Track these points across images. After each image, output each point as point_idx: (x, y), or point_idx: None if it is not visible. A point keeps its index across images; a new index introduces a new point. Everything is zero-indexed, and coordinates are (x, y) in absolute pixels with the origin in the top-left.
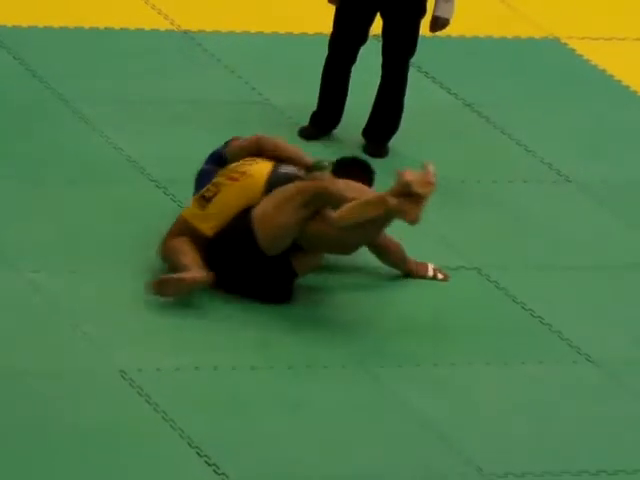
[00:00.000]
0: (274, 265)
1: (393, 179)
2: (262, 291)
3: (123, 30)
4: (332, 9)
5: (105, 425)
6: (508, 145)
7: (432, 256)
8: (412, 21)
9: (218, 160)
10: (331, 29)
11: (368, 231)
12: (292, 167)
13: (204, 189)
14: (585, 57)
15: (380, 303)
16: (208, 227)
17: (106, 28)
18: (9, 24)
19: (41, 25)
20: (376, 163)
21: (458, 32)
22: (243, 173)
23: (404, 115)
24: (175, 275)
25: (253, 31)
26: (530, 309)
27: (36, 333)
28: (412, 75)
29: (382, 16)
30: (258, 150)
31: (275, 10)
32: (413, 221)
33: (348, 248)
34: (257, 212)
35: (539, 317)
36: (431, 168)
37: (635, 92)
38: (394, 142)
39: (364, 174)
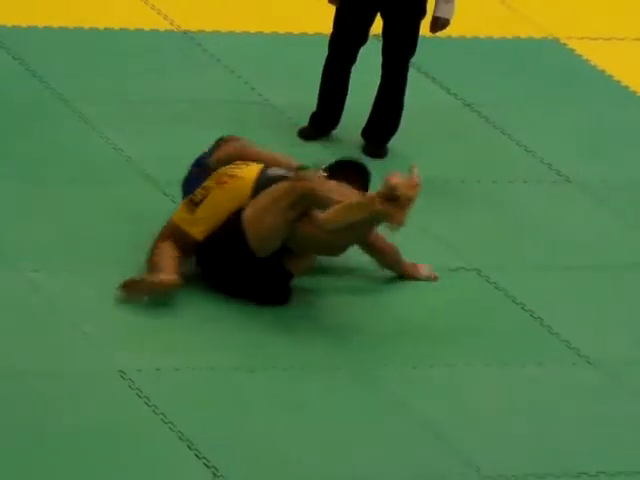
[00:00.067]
0: (267, 267)
1: None
2: (258, 293)
3: (123, 30)
4: (332, 9)
5: (104, 425)
6: (508, 145)
7: (432, 257)
8: (412, 22)
9: (205, 168)
10: (331, 29)
11: (355, 233)
12: (281, 169)
13: (192, 194)
14: (584, 57)
15: (378, 305)
16: (198, 231)
17: (106, 28)
18: (9, 24)
19: (41, 25)
20: (375, 164)
21: (458, 32)
22: (232, 176)
23: (404, 115)
24: (144, 276)
25: (253, 31)
26: (530, 310)
27: (36, 333)
28: (412, 75)
29: (382, 16)
30: (241, 159)
31: (275, 10)
32: (398, 224)
33: (336, 250)
34: (247, 213)
35: (539, 318)
36: (416, 171)
37: (635, 92)
38: (394, 142)
39: (360, 176)
